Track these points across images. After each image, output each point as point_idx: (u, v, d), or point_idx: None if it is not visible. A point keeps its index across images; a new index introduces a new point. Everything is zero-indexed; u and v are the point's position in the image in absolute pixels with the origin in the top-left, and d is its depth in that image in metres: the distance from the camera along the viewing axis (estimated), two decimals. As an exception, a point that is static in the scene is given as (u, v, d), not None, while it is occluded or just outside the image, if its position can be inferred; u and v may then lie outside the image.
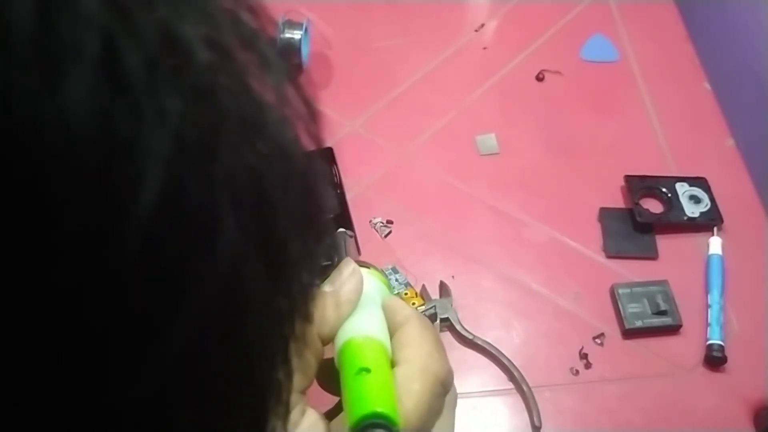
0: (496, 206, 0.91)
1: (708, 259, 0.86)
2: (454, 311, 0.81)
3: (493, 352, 0.78)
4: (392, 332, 0.44)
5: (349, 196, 0.88)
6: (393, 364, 0.42)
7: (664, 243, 0.88)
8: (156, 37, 0.17)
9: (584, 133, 0.98)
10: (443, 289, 0.83)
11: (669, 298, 0.82)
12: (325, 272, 0.45)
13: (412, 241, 0.87)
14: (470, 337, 0.79)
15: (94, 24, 0.16)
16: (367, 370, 0.40)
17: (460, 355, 0.79)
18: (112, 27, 0.17)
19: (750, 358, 0.79)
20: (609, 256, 0.87)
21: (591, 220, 0.90)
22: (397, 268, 0.84)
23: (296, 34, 0.95)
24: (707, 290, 0.83)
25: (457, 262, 0.86)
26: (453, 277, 0.84)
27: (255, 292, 0.21)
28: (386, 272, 0.83)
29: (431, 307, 0.80)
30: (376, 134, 0.97)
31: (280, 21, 0.95)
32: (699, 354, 0.80)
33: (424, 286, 0.83)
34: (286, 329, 0.24)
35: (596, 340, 0.81)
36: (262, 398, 0.24)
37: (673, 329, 0.81)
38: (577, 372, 0.79)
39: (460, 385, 0.78)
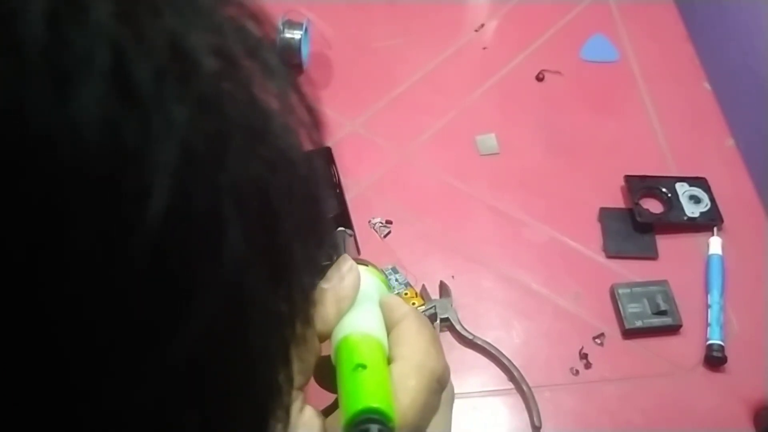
0: (496, 206, 0.91)
1: (708, 259, 0.86)
2: (454, 311, 0.81)
3: (493, 352, 0.78)
4: (389, 329, 0.44)
5: (348, 196, 0.88)
6: (390, 361, 0.43)
7: (664, 243, 0.88)
8: (164, 47, 0.17)
9: (584, 133, 0.98)
10: (443, 289, 0.83)
11: (669, 298, 0.82)
12: (324, 272, 0.45)
13: (412, 241, 0.87)
14: (470, 337, 0.79)
15: (105, 36, 0.16)
16: (363, 367, 0.40)
17: (460, 355, 0.79)
18: (122, 38, 0.17)
19: (750, 358, 0.79)
20: (609, 256, 0.87)
21: (591, 220, 0.90)
22: (397, 268, 0.84)
23: (296, 34, 0.95)
24: (707, 290, 0.84)
25: (457, 262, 0.86)
26: (453, 277, 0.84)
27: (258, 297, 0.21)
28: (386, 272, 0.83)
29: (431, 307, 0.80)
30: (376, 134, 0.97)
31: (280, 21, 0.95)
32: (699, 354, 0.80)
33: (424, 286, 0.83)
34: (287, 332, 0.24)
35: (596, 340, 0.81)
36: (263, 401, 0.24)
37: (673, 329, 0.81)
38: (577, 372, 0.79)
39: (460, 385, 0.78)
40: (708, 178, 0.92)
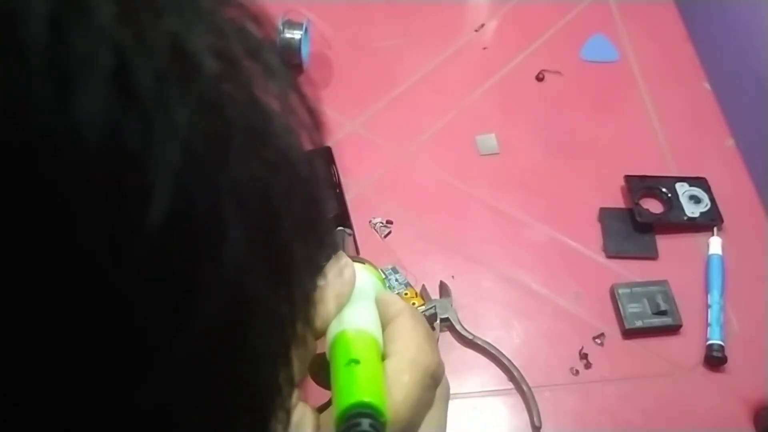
0: (496, 206, 0.91)
1: (708, 259, 0.86)
2: (454, 311, 0.81)
3: (493, 352, 0.79)
4: (384, 326, 0.44)
5: (348, 196, 0.88)
6: (384, 357, 0.43)
7: (664, 243, 0.88)
8: (166, 48, 0.18)
9: (584, 133, 0.98)
10: (443, 289, 0.83)
11: (669, 298, 0.82)
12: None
13: (412, 241, 0.87)
14: (470, 337, 0.79)
15: (107, 37, 0.16)
16: (356, 362, 0.40)
17: (460, 355, 0.79)
18: (124, 40, 0.17)
19: (750, 358, 0.79)
20: (609, 256, 0.87)
21: (591, 220, 0.90)
22: (397, 268, 0.84)
23: (296, 34, 0.95)
24: (707, 290, 0.84)
25: (457, 262, 0.86)
26: (453, 277, 0.84)
27: (259, 298, 0.21)
28: (386, 272, 0.83)
29: (431, 307, 0.80)
30: (376, 134, 0.97)
31: (280, 21, 0.95)
32: (699, 354, 0.80)
33: (424, 286, 0.83)
34: (288, 333, 0.24)
35: (596, 340, 0.81)
36: (263, 401, 0.24)
37: (673, 329, 0.81)
38: (577, 372, 0.79)
39: (460, 385, 0.78)
40: (708, 178, 0.92)
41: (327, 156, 0.89)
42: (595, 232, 0.89)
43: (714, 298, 0.82)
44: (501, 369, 0.79)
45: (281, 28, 0.94)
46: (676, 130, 0.98)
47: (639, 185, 0.91)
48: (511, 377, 0.78)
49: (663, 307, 0.81)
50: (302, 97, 0.22)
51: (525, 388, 0.76)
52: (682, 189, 0.91)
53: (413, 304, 0.80)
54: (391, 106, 1.00)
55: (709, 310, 0.82)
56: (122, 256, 0.17)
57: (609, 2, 1.12)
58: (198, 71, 0.18)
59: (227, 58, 0.19)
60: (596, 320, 0.83)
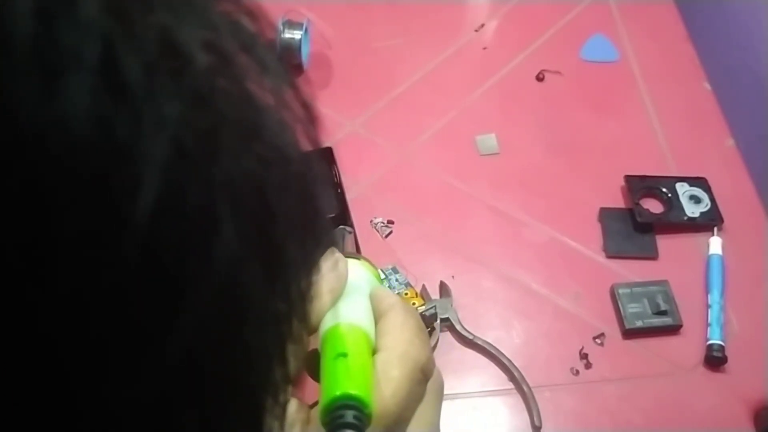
0: (496, 206, 0.91)
1: (708, 259, 0.86)
2: (454, 311, 0.81)
3: (493, 352, 0.78)
4: (377, 320, 0.44)
5: (349, 196, 0.88)
6: (375, 352, 0.43)
7: (664, 243, 0.88)
8: (155, 41, 0.17)
9: (584, 133, 0.98)
10: (443, 289, 0.83)
11: (669, 298, 0.82)
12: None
13: (412, 241, 0.87)
14: (470, 337, 0.79)
15: (95, 30, 0.16)
16: (344, 355, 0.40)
17: (460, 355, 0.79)
18: (112, 32, 0.17)
19: (750, 358, 0.79)
20: (609, 256, 0.87)
21: (591, 220, 0.90)
22: (398, 268, 0.84)
23: (296, 34, 0.95)
24: (707, 290, 0.83)
25: (457, 262, 0.86)
26: (453, 277, 0.84)
27: (253, 296, 0.21)
28: (386, 272, 0.83)
29: (431, 307, 0.80)
30: (376, 134, 0.97)
31: (280, 21, 0.95)
32: (699, 354, 0.80)
33: (424, 286, 0.83)
34: (283, 331, 0.24)
35: (596, 340, 0.81)
36: (260, 398, 0.24)
37: (673, 329, 0.81)
38: (577, 372, 0.79)
39: (460, 385, 0.78)
40: (708, 178, 0.92)
41: (328, 156, 0.89)
42: (595, 232, 0.89)
43: (714, 298, 0.82)
44: (501, 369, 0.79)
45: (281, 28, 0.94)
46: (676, 130, 0.98)
47: (639, 185, 0.91)
48: (511, 377, 0.78)
49: (663, 307, 0.81)
50: (297, 92, 0.22)
51: (525, 388, 0.76)
52: (682, 189, 0.91)
53: (413, 304, 0.80)
54: (391, 106, 1.00)
55: (709, 310, 0.82)
56: (112, 250, 0.17)
57: (609, 2, 1.12)
58: (189, 65, 0.18)
59: (220, 52, 0.19)
60: (596, 320, 0.82)
